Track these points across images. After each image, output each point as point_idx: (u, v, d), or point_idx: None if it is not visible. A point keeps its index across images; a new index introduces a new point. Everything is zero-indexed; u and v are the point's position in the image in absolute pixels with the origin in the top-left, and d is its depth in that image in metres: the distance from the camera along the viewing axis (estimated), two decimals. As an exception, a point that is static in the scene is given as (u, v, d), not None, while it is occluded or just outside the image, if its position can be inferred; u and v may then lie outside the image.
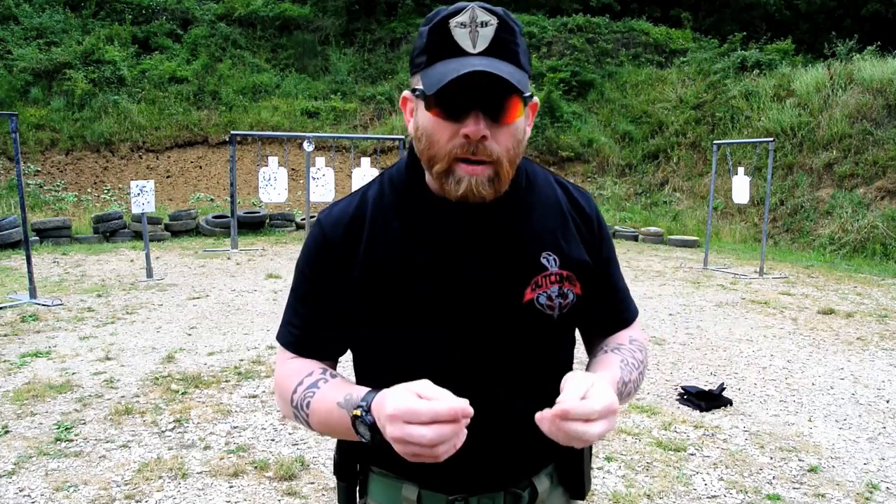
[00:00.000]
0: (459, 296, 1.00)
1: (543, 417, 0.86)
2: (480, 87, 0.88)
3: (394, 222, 1.03)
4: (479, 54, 0.91)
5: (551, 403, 1.08)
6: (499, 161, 0.93)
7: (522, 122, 0.96)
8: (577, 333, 1.19)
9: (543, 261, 1.03)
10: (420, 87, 0.93)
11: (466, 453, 1.02)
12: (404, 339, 1.03)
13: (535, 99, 1.00)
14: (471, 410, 0.81)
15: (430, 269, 1.01)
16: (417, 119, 0.97)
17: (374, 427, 0.88)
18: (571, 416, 0.85)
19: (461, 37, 0.91)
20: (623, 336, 1.16)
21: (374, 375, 1.08)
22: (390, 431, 0.82)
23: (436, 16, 0.94)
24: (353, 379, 1.13)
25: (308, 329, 1.09)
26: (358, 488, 1.18)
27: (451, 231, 1.01)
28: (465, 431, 0.82)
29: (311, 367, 1.07)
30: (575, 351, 1.17)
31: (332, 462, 1.17)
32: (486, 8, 0.92)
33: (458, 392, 1.01)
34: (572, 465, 1.14)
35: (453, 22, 0.91)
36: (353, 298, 1.04)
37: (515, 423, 1.04)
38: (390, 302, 1.02)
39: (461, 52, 0.91)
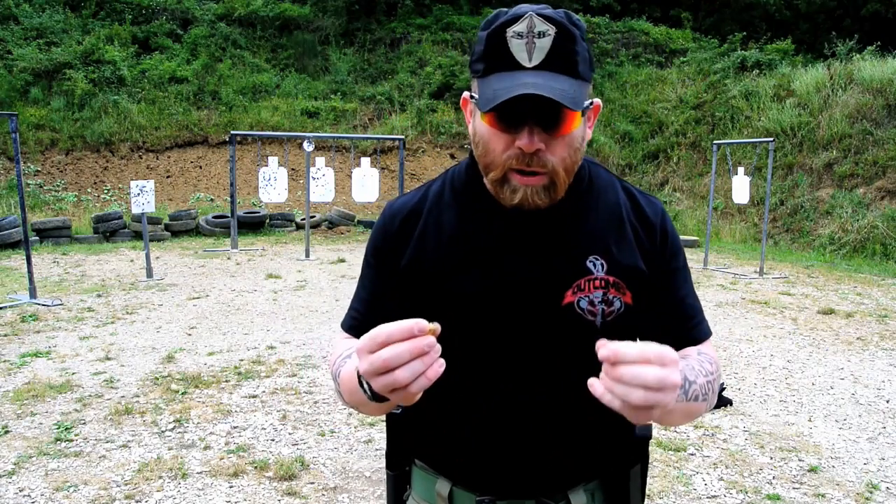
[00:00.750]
0: (499, 294, 1.00)
1: (594, 381, 0.79)
2: (535, 101, 0.87)
3: (448, 218, 1.05)
4: (535, 68, 0.89)
5: (593, 416, 1.04)
6: (554, 171, 0.93)
7: (580, 131, 0.94)
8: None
9: (589, 264, 1.01)
10: (477, 95, 0.93)
11: (498, 455, 1.03)
12: (445, 330, 1.03)
13: (597, 101, 0.98)
14: (427, 326, 0.77)
15: (473, 267, 1.01)
16: (475, 124, 0.97)
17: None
18: (622, 359, 0.76)
19: (517, 48, 0.89)
20: (690, 350, 1.07)
21: None
22: (360, 367, 0.80)
23: (495, 20, 0.92)
24: None
25: (367, 313, 1.11)
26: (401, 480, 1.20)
27: (501, 230, 1.01)
28: (440, 362, 0.78)
29: (354, 346, 1.06)
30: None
31: (384, 453, 1.19)
32: (544, 15, 0.89)
33: (494, 392, 1.02)
34: (619, 485, 1.10)
35: (510, 31, 0.89)
36: (399, 288, 1.06)
37: (551, 430, 1.03)
38: (430, 296, 1.03)
39: (516, 66, 0.89)
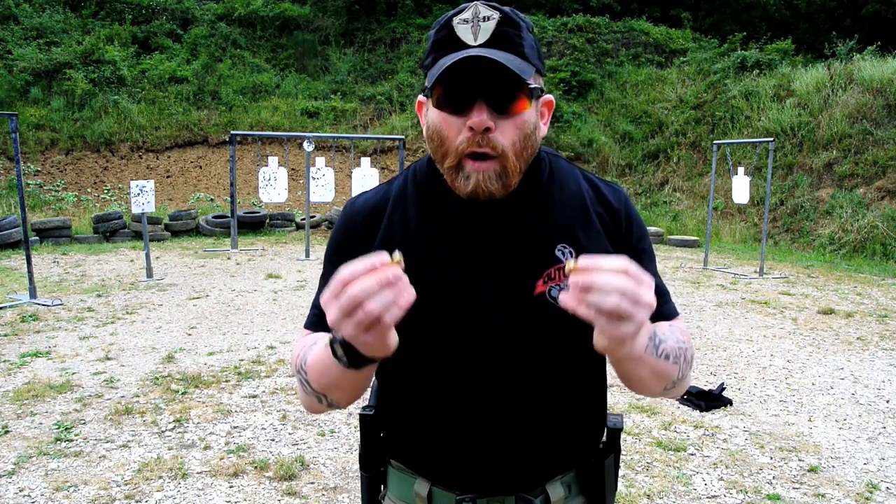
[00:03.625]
0: (470, 288, 1.00)
1: (563, 296, 0.80)
2: (483, 78, 0.89)
3: (412, 214, 1.05)
4: (480, 46, 0.92)
5: (569, 406, 1.06)
6: (504, 155, 0.93)
7: (531, 116, 0.95)
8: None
9: (558, 253, 1.01)
10: (428, 84, 0.95)
11: (476, 451, 1.03)
12: (415, 333, 1.02)
13: (549, 96, 1.00)
14: (389, 258, 0.78)
15: (442, 261, 1.01)
16: (428, 118, 0.98)
17: (343, 341, 0.85)
18: (599, 266, 0.78)
19: (463, 32, 0.92)
20: (661, 323, 1.05)
21: (389, 370, 1.09)
22: (330, 316, 0.79)
23: (443, 18, 0.96)
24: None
25: None
26: (378, 481, 1.19)
27: (466, 223, 1.01)
28: (410, 291, 0.78)
29: (319, 336, 1.05)
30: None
31: (358, 455, 1.18)
32: (489, 5, 0.93)
33: (469, 388, 1.02)
34: (594, 475, 1.11)
35: (456, 20, 0.93)
36: None
37: (528, 422, 1.03)
38: None
39: (462, 46, 0.92)
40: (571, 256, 1.01)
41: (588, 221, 1.04)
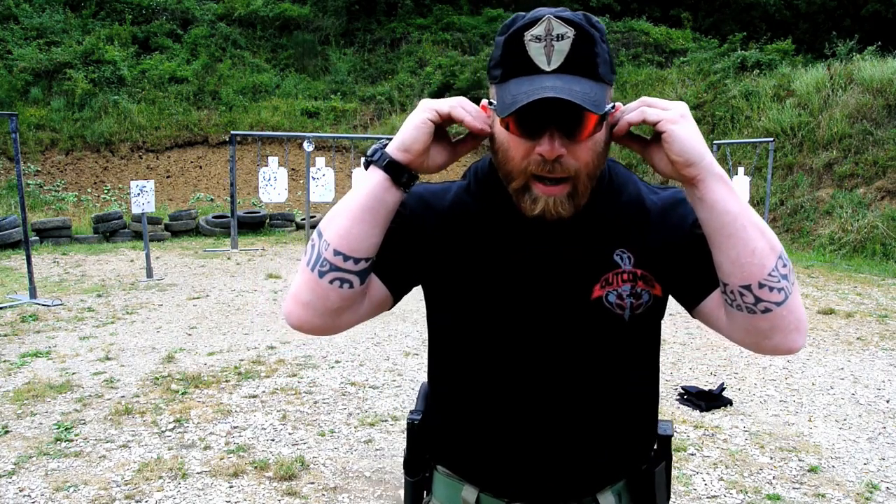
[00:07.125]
0: (527, 289, 0.99)
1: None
2: (555, 105, 0.85)
3: (475, 210, 1.04)
4: (554, 72, 0.87)
5: (622, 414, 1.05)
6: (577, 176, 0.91)
7: (602, 135, 0.93)
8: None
9: (616, 258, 1.00)
10: (495, 101, 0.92)
11: (527, 458, 1.02)
12: (471, 331, 1.02)
13: (618, 105, 0.97)
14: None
15: (500, 263, 1.00)
16: (495, 131, 0.95)
17: (382, 148, 0.94)
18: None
19: (535, 52, 0.87)
20: None
21: (442, 375, 1.09)
22: (443, 99, 0.95)
23: (512, 24, 0.91)
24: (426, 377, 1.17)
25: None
26: (421, 486, 1.18)
27: (526, 227, 0.99)
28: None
29: None
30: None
31: (402, 460, 1.17)
32: (562, 18, 0.87)
33: (522, 393, 1.01)
34: (645, 484, 1.09)
35: (528, 35, 0.87)
36: (419, 266, 1.04)
37: (581, 430, 1.02)
38: (456, 291, 1.02)
39: (535, 70, 0.87)
40: (630, 262, 1.00)
41: (646, 224, 1.02)
